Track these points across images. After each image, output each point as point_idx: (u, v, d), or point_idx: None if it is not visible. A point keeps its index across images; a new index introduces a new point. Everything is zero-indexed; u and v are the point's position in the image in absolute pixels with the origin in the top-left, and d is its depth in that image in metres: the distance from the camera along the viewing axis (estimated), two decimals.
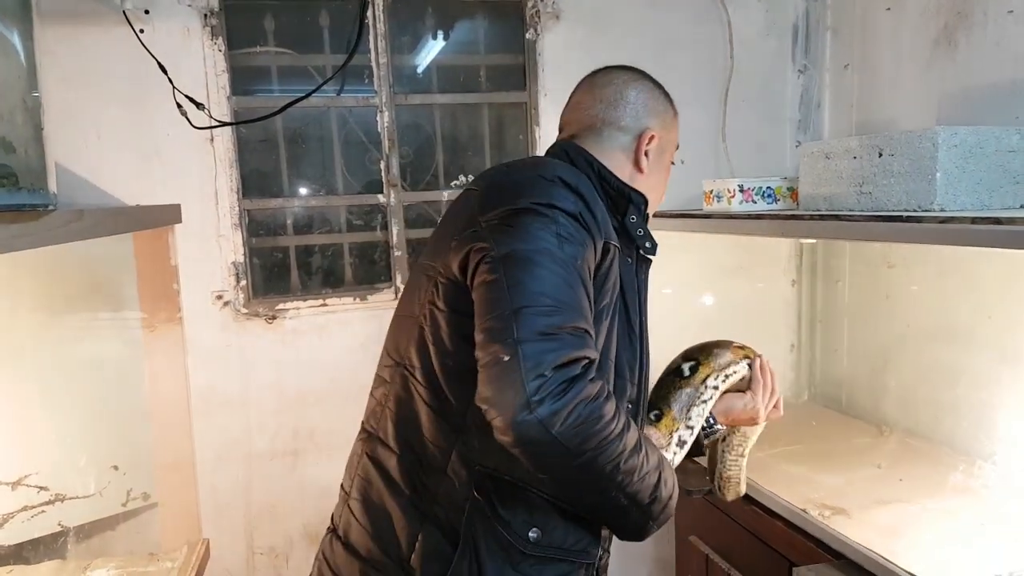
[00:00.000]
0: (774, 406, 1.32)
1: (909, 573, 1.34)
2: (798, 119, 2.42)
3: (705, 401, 1.17)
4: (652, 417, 1.15)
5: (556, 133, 2.44)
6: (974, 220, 1.27)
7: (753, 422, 1.31)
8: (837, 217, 1.60)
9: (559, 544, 1.06)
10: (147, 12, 2.03)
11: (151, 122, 2.05)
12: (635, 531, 1.07)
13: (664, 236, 2.29)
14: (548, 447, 0.88)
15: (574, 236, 0.99)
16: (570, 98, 1.26)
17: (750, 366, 1.27)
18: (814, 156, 1.84)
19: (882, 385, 2.20)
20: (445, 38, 2.31)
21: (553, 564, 1.06)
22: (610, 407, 0.93)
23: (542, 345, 0.89)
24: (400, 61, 2.26)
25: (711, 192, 2.10)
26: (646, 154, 1.20)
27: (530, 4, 2.25)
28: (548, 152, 1.22)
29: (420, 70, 2.31)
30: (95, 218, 1.25)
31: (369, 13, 2.17)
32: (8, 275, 1.91)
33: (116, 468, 2.00)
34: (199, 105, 1.97)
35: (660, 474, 1.03)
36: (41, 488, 1.85)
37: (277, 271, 2.30)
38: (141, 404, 1.98)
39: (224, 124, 1.90)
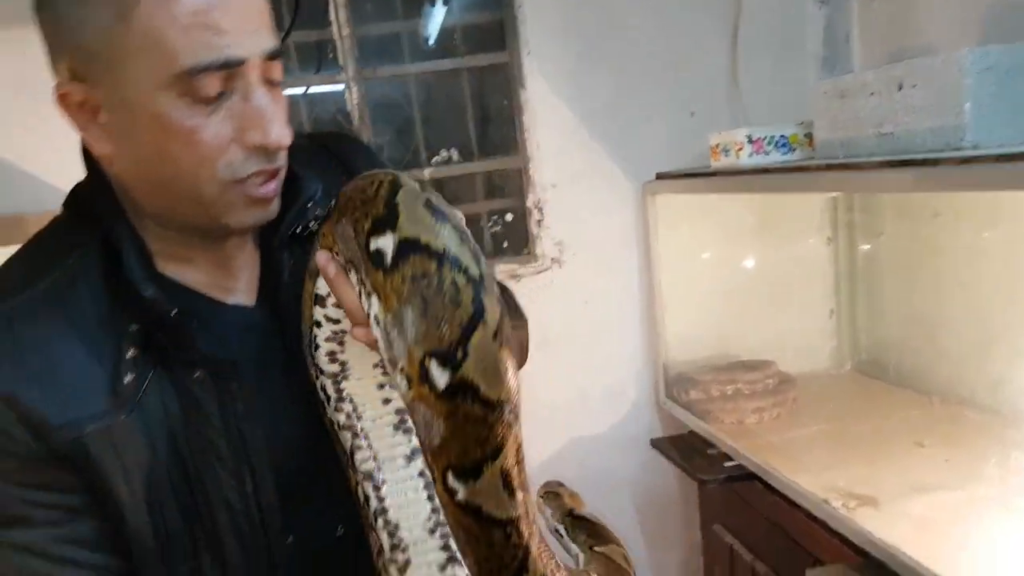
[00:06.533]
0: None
1: None
2: (823, 56, 2.14)
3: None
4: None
5: (545, 95, 2.21)
6: (999, 158, 1.04)
7: None
8: (845, 166, 1.38)
9: None
10: None
11: None
12: None
13: (672, 199, 2.12)
14: None
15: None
16: None
17: None
18: (827, 96, 1.60)
19: (934, 350, 1.94)
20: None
21: None
22: None
23: None
24: (365, 31, 2.06)
25: (717, 146, 1.88)
26: (82, 125, 0.64)
27: None
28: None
29: (387, 40, 2.12)
30: None
31: None
32: None
33: None
34: None
35: None
36: None
37: None
38: None
39: None
